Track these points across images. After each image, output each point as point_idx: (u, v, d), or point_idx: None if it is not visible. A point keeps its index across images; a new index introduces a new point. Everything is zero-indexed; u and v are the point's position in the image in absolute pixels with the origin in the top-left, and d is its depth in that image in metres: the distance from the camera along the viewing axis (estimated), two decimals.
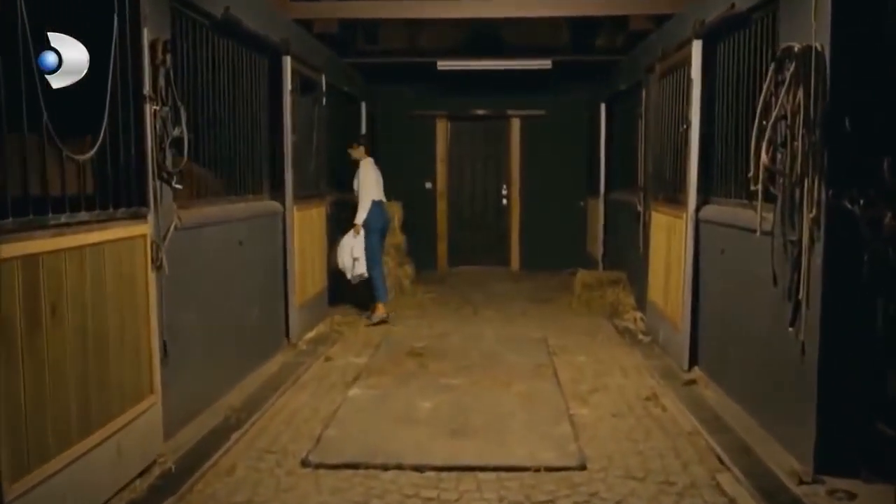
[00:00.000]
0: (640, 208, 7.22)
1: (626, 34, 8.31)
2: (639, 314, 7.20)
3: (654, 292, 6.33)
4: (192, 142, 4.45)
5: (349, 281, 7.24)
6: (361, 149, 7.44)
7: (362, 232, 7.05)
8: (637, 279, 7.53)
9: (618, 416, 4.40)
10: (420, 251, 10.00)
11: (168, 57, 3.71)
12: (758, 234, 3.78)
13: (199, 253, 4.35)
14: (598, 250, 9.77)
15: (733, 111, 4.81)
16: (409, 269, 8.69)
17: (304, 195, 6.49)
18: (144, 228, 3.49)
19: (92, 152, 3.04)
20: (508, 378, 5.16)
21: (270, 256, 5.78)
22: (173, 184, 3.79)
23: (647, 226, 6.81)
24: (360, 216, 7.10)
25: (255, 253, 5.36)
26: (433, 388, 4.95)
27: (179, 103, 3.78)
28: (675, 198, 5.74)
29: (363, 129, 9.10)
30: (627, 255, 7.97)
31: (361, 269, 7.13)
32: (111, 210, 3.21)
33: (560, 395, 4.80)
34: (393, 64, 9.56)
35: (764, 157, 3.60)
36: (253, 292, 5.31)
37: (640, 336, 6.48)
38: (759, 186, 3.67)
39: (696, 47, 5.15)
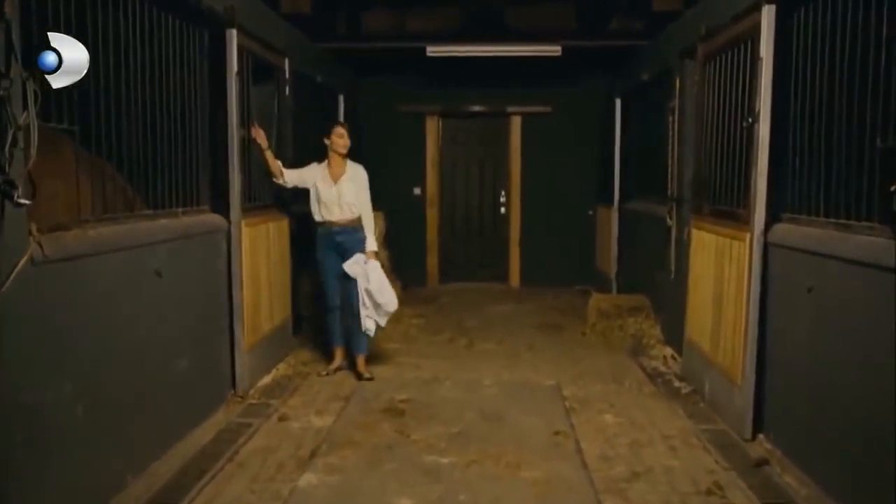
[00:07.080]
0: (670, 222, 5.97)
1: (647, 15, 7.09)
2: (669, 350, 5.95)
3: (696, 330, 5.05)
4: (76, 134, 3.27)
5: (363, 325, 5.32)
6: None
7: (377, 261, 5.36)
8: (664, 306, 6.28)
9: None
10: (408, 266, 8.86)
11: (6, 8, 2.42)
12: None
13: (82, 294, 3.05)
14: (611, 267, 8.50)
15: (824, 98, 3.56)
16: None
17: (259, 206, 5.19)
18: None
19: None
20: (516, 454, 3.87)
21: (208, 287, 4.48)
22: (16, 197, 2.48)
23: (682, 244, 5.55)
24: (373, 240, 5.35)
25: (182, 284, 4.06)
26: (415, 473, 3.64)
27: (26, 75, 2.48)
28: (729, 213, 4.47)
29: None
30: (651, 276, 6.71)
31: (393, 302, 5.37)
32: None
33: (589, 484, 3.51)
34: (377, 51, 8.22)
35: None
36: (179, 337, 4.01)
37: (677, 383, 5.20)
38: None
39: (768, 14, 3.88)
